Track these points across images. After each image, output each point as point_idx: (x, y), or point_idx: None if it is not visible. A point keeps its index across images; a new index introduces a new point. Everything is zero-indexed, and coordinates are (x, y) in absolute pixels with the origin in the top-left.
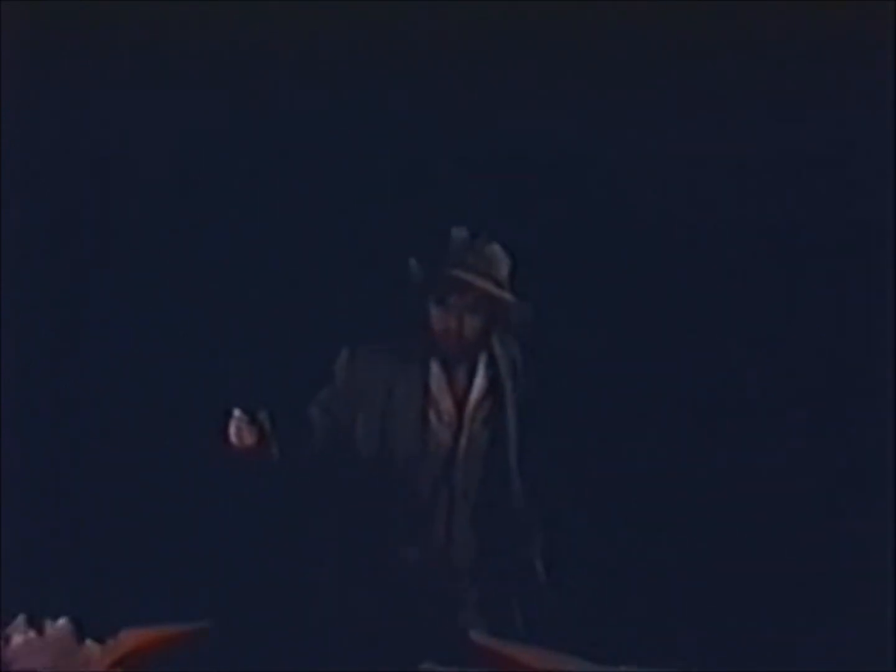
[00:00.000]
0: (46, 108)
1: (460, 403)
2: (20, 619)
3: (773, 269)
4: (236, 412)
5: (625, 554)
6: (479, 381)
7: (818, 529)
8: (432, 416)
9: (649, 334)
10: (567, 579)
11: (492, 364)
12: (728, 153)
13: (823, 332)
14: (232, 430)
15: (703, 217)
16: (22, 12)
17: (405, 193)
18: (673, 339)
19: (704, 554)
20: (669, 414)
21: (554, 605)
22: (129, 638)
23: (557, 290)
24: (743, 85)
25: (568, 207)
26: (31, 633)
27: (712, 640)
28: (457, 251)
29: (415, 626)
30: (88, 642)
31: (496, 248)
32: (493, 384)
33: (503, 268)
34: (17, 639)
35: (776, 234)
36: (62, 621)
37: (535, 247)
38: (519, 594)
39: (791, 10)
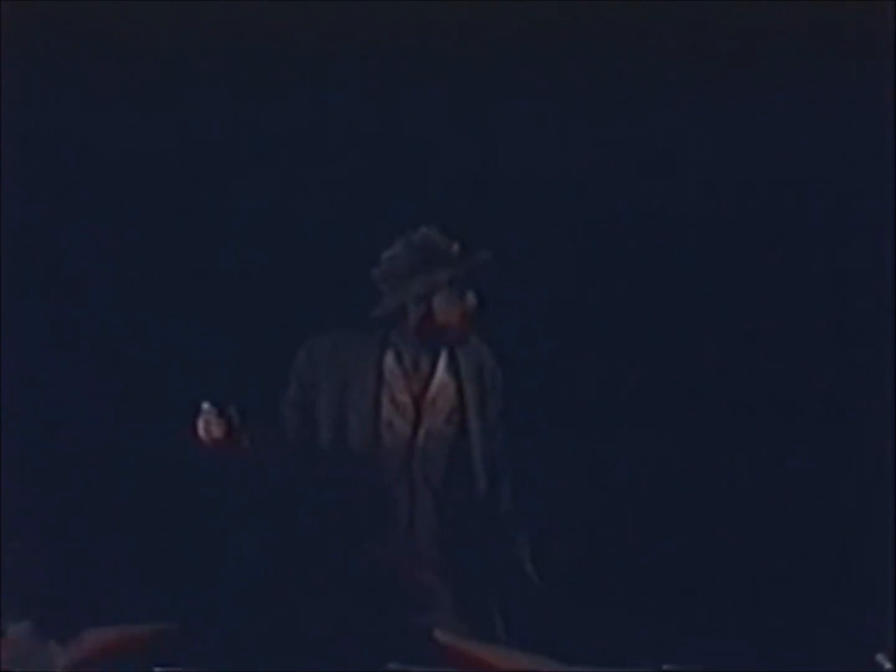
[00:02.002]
0: (46, 109)
1: (417, 397)
2: None
3: (772, 268)
4: (205, 405)
5: (598, 552)
6: (440, 375)
7: (818, 529)
8: (388, 408)
9: (630, 337)
10: (533, 578)
11: (453, 358)
12: (726, 153)
13: (822, 332)
14: (200, 424)
15: (699, 216)
16: (22, 12)
17: (379, 191)
18: (654, 343)
19: (681, 555)
20: (647, 419)
21: (521, 604)
22: (92, 638)
23: (527, 290)
24: (741, 84)
25: (541, 209)
26: None
27: (707, 639)
28: (455, 247)
29: (380, 625)
30: (50, 643)
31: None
32: (455, 379)
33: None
34: None
35: (775, 233)
36: (24, 622)
37: (506, 246)
38: (486, 591)
39: (791, 10)
